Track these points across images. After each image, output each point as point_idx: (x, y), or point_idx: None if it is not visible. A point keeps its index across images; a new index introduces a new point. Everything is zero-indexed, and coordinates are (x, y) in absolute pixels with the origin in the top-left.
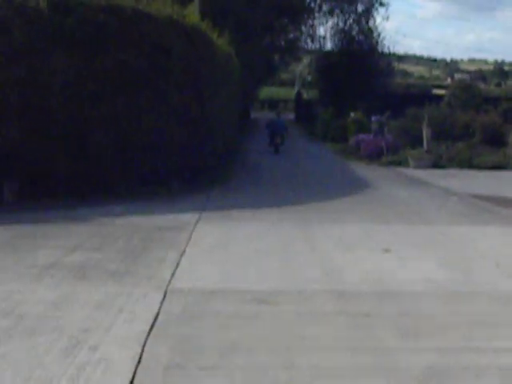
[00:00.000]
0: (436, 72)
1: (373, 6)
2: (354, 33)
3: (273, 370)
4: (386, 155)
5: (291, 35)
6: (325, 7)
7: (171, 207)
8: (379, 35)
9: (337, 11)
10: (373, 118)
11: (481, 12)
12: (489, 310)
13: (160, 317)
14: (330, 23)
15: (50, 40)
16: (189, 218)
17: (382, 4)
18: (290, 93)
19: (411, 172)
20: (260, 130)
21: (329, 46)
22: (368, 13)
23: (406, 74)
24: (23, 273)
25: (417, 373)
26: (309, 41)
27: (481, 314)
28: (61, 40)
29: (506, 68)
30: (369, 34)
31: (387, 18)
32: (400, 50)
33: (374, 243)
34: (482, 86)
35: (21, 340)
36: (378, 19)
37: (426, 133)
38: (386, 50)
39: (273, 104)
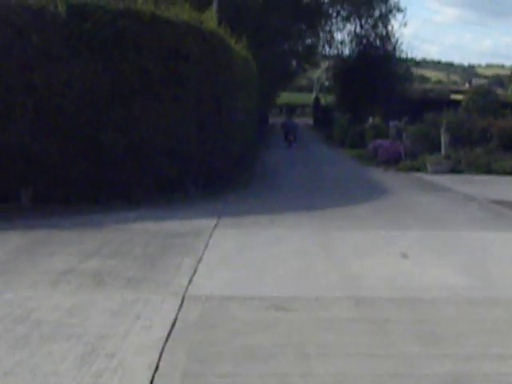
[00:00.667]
0: (453, 77)
1: (390, 11)
2: (371, 38)
3: (290, 377)
4: (404, 160)
5: (309, 40)
6: (343, 12)
7: (188, 213)
8: (397, 41)
9: (354, 16)
10: (391, 124)
11: (498, 17)
12: (508, 316)
13: (177, 324)
14: (347, 28)
15: (67, 44)
16: (206, 223)
17: (399, 10)
18: (308, 98)
19: (429, 177)
20: (278, 136)
21: (346, 51)
22: (386, 18)
23: (423, 79)
24: (39, 279)
25: (437, 380)
26: (326, 46)
27: (501, 321)
28: (78, 44)
29: None
30: (386, 39)
31: (405, 24)
32: (418, 55)
33: (392, 249)
34: (499, 91)
35: (37, 347)
36: (396, 25)
37: (444, 138)
38: (403, 56)
39: (291, 109)
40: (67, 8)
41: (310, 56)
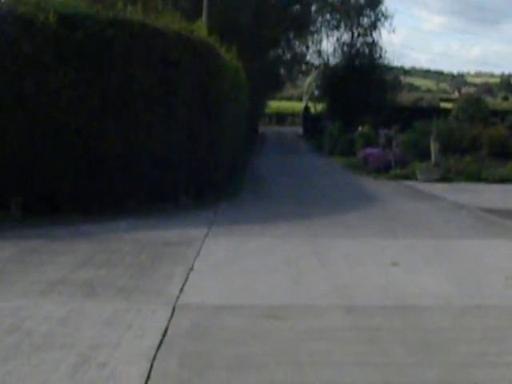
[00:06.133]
0: (443, 85)
1: (379, 19)
2: (359, 46)
3: None
4: (394, 169)
5: (298, 49)
6: (332, 21)
7: (179, 222)
8: (381, 49)
9: (343, 25)
10: (380, 132)
11: (487, 25)
12: (499, 324)
13: (169, 333)
14: (335, 37)
15: (57, 54)
16: (197, 232)
17: (386, 17)
18: (298, 107)
19: (419, 185)
20: (268, 145)
21: (335, 60)
22: (374, 26)
23: (413, 87)
24: (30, 289)
25: None
26: (315, 55)
27: (491, 328)
28: (68, 54)
29: None
30: (374, 47)
31: (393, 31)
32: (407, 63)
33: (382, 257)
34: (488, 99)
35: (28, 357)
36: (384, 32)
37: (433, 146)
38: (391, 64)
39: (280, 118)
40: (57, 18)
41: (299, 64)
